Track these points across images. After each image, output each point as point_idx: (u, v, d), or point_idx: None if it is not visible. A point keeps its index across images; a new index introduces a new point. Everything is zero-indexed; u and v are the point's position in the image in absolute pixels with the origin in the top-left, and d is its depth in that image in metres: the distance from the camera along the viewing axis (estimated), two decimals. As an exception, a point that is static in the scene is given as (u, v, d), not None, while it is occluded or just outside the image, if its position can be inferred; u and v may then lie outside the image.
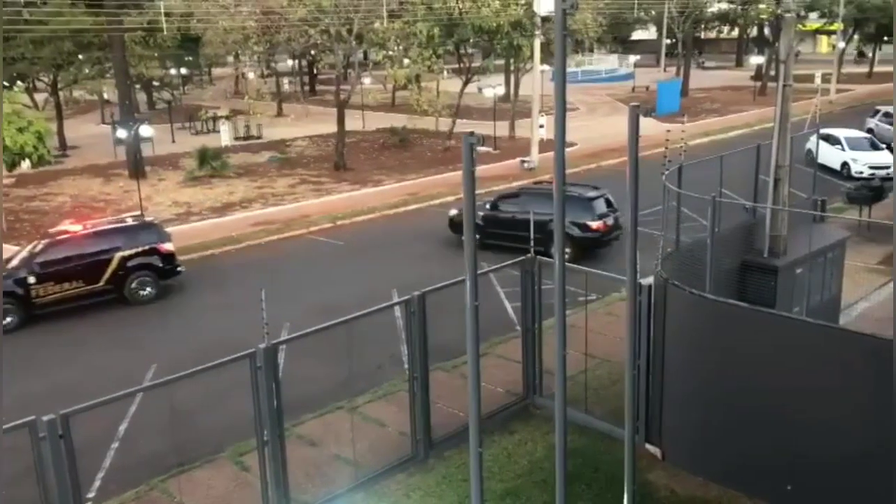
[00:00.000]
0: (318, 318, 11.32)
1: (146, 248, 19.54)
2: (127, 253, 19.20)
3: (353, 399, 12.78)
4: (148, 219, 21.72)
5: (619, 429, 10.53)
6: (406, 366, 11.85)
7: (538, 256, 12.40)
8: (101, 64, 43.06)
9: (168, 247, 19.98)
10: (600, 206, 21.29)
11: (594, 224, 20.68)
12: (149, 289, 19.49)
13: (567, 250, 21.33)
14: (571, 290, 10.56)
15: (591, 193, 21.74)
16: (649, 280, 11.03)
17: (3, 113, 23.24)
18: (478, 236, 22.26)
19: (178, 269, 20.20)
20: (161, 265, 19.75)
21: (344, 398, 12.80)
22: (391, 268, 21.01)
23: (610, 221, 21.11)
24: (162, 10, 39.55)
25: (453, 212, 23.70)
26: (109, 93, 47.53)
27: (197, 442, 12.02)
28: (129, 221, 20.57)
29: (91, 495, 10.87)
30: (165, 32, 42.44)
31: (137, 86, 52.19)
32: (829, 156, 29.80)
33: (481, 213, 22.45)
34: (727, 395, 10.12)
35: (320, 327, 10.28)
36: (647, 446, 11.28)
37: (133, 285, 19.27)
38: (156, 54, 49.22)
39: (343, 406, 12.74)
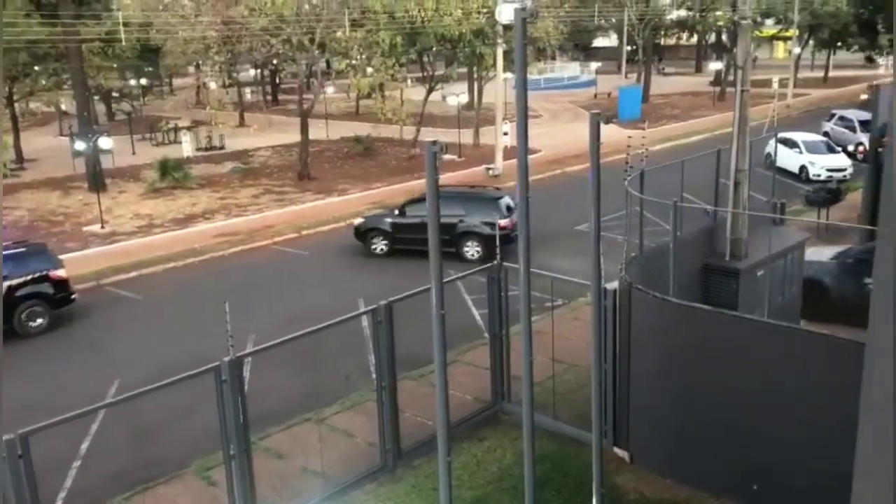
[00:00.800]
0: (284, 330, 11.23)
1: (36, 275, 18.13)
2: (15, 282, 17.68)
3: (320, 410, 12.68)
4: (35, 243, 20.53)
5: (587, 433, 10.57)
6: (374, 375, 11.78)
7: (504, 263, 12.42)
8: (58, 75, 42.31)
9: (60, 273, 18.58)
10: (504, 205, 22.40)
11: (503, 222, 21.43)
12: (40, 320, 18.00)
13: (477, 248, 21.86)
14: (538, 295, 10.62)
15: (496, 194, 23.35)
16: (614, 284, 11.12)
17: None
18: (385, 244, 22.99)
19: (73, 297, 18.77)
20: (52, 293, 18.26)
21: (311, 409, 12.69)
22: (358, 277, 20.92)
23: (514, 219, 21.84)
24: (120, 21, 39.04)
25: (358, 220, 23.86)
26: (67, 104, 46.74)
27: (162, 458, 11.82)
28: (17, 248, 18.95)
29: (53, 515, 10.64)
30: (124, 43, 41.84)
31: (96, 97, 51.35)
32: (788, 159, 30.35)
33: (389, 220, 22.92)
34: (693, 398, 10.22)
35: (286, 339, 10.18)
36: (616, 450, 11.35)
37: (22, 316, 17.77)
38: (115, 65, 48.48)
39: (310, 418, 12.63)
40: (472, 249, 22.05)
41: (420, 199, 23.00)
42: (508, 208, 22.41)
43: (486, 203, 22.57)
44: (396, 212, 22.99)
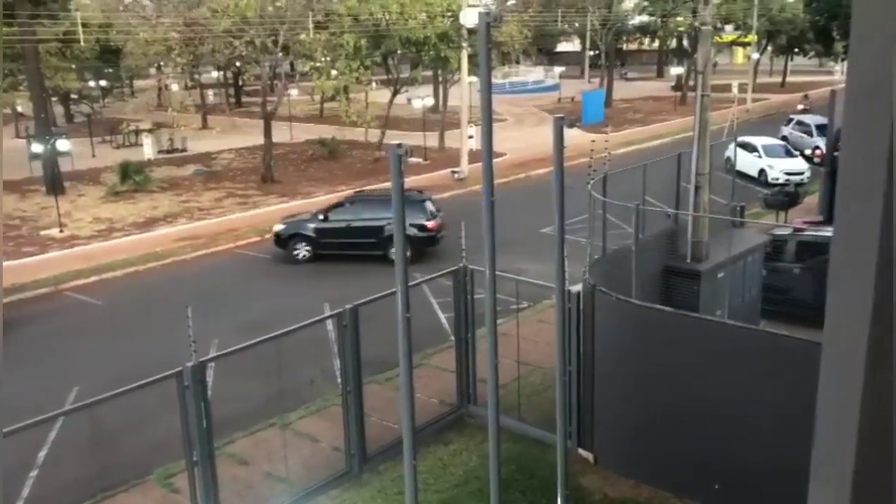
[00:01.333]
0: (247, 335, 11.12)
1: None
2: None
3: (284, 415, 12.58)
4: None
5: (552, 435, 10.64)
6: (339, 380, 11.72)
7: (470, 266, 12.45)
8: (14, 76, 41.44)
9: None
10: (428, 207, 22.60)
11: (430, 224, 21.91)
12: None
13: (407, 252, 21.78)
14: (503, 298, 10.67)
15: (420, 196, 23.24)
16: (578, 287, 11.21)
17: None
18: (308, 249, 22.59)
19: None
20: None
21: (276, 415, 12.59)
22: (323, 281, 20.81)
23: (439, 221, 22.42)
24: (79, 21, 38.34)
25: (279, 226, 23.26)
26: (24, 106, 45.79)
27: (123, 465, 11.63)
28: None
29: (10, 526, 10.40)
30: (83, 43, 41.12)
31: (54, 98, 50.40)
32: (747, 163, 30.87)
33: (312, 226, 22.57)
34: (655, 398, 10.34)
35: (250, 343, 10.10)
36: (580, 451, 11.44)
37: None
38: (73, 66, 47.64)
39: (275, 423, 12.53)
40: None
41: (342, 204, 23.27)
42: (432, 211, 22.60)
43: (412, 205, 22.33)
44: (321, 216, 22.65)
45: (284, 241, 22.86)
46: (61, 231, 26.84)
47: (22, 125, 47.08)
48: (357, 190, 26.85)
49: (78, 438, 11.76)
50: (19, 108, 48.37)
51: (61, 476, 11.58)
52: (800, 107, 46.51)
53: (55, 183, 31.21)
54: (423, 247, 22.04)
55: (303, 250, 22.69)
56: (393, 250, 21.23)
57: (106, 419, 10.65)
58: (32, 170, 35.47)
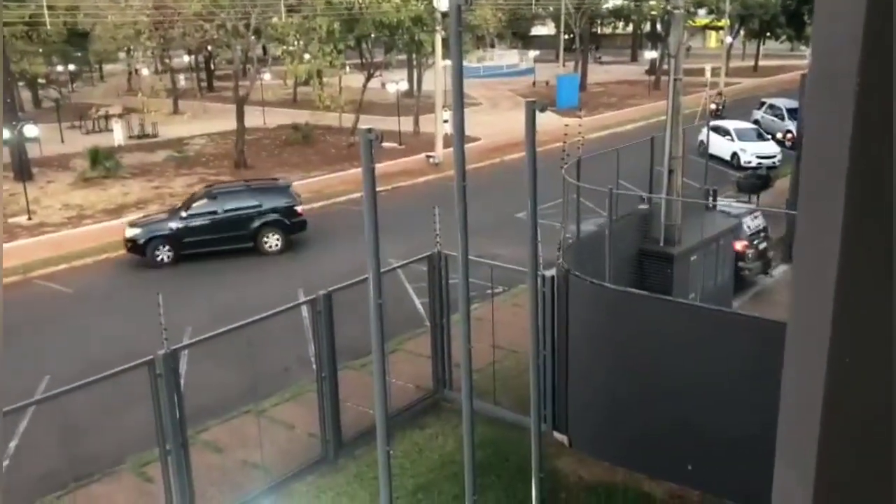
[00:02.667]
0: (221, 322, 11.03)
1: None
2: None
3: (259, 402, 12.51)
4: None
5: (527, 418, 10.69)
6: (314, 366, 11.68)
7: (443, 252, 12.43)
8: (-22, 60, 40.57)
9: None
10: (293, 193, 22.55)
11: (299, 209, 21.88)
12: None
13: (276, 239, 21.48)
14: (478, 283, 10.67)
15: (283, 183, 23.51)
16: (551, 271, 11.24)
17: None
18: (169, 252, 20.84)
19: None
20: None
21: (250, 402, 12.52)
22: (296, 267, 20.69)
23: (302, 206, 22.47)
24: (45, 3, 37.61)
25: (132, 231, 21.23)
26: (-10, 91, 44.82)
27: (95, 455, 11.52)
28: None
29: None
30: (49, 27, 40.35)
31: (21, 83, 49.45)
32: (720, 146, 31.10)
33: (173, 225, 21.00)
34: (629, 381, 10.42)
35: (223, 330, 10.02)
36: (555, 434, 11.51)
37: None
38: (40, 50, 46.74)
39: (250, 410, 12.45)
40: (271, 241, 21.56)
41: (198, 198, 21.94)
42: (298, 196, 22.50)
43: (278, 192, 22.24)
44: (183, 213, 21.19)
45: (141, 246, 20.82)
46: (30, 218, 26.41)
47: (-12, 111, 46.09)
48: (207, 185, 24.96)
49: (49, 428, 11.61)
50: (-15, 93, 47.36)
51: (32, 467, 11.45)
52: (711, 106, 37.27)
53: (23, 169, 30.69)
54: (295, 232, 21.94)
55: (164, 253, 20.90)
56: (265, 240, 21.24)
57: (77, 409, 10.52)
58: (-1, 156, 34.81)
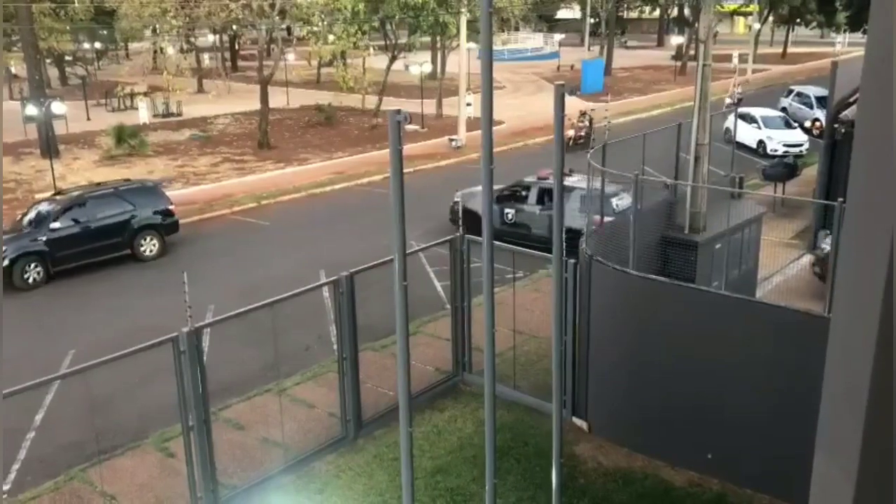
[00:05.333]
0: (244, 301, 11.12)
1: None
2: None
3: (281, 381, 12.62)
4: None
5: (546, 403, 10.71)
6: (335, 346, 11.75)
7: (465, 235, 12.41)
8: (7, 36, 40.93)
9: None
10: (164, 193, 21.50)
11: (173, 207, 20.99)
12: None
13: (153, 243, 20.24)
14: (500, 267, 10.66)
15: (152, 182, 22.33)
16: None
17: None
18: (38, 271, 18.18)
19: None
20: None
21: (272, 380, 12.63)
22: (318, 248, 20.77)
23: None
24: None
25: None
26: (17, 67, 45.26)
27: (119, 429, 11.69)
28: None
29: (7, 487, 10.46)
30: (77, 4, 40.57)
31: (48, 60, 49.82)
32: (746, 134, 30.74)
33: (42, 239, 18.58)
34: (650, 369, 10.39)
35: (246, 309, 10.09)
36: (574, 420, 11.51)
37: None
38: (68, 27, 47.02)
39: (271, 388, 12.57)
40: (147, 245, 20.26)
41: (103, 195, 20.21)
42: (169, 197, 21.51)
43: (149, 194, 21.00)
44: (53, 225, 18.84)
45: (7, 268, 17.93)
46: (56, 195, 26.65)
47: (16, 87, 46.58)
48: (54, 192, 22.02)
49: (74, 402, 11.79)
50: (13, 70, 47.82)
51: (58, 439, 11.64)
52: (728, 100, 34.83)
53: (50, 146, 30.98)
54: (170, 234, 20.89)
55: (33, 273, 18.38)
56: (142, 245, 19.73)
57: (102, 383, 10.65)
58: (27, 132, 35.20)
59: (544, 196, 19.61)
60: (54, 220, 19.03)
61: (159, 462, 10.94)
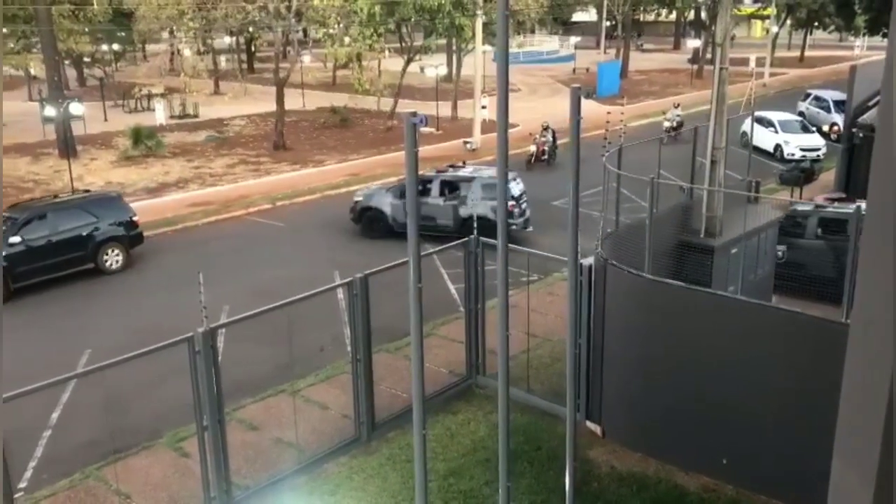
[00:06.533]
0: (259, 301, 11.14)
1: None
2: None
3: (295, 382, 12.66)
4: None
5: (560, 407, 10.68)
6: (349, 348, 11.77)
7: (480, 238, 12.40)
8: (27, 38, 41.31)
9: None
10: (126, 204, 21.01)
11: (136, 218, 20.47)
12: None
13: (117, 256, 19.53)
14: (514, 270, 10.64)
15: (113, 193, 21.79)
16: (589, 260, 11.16)
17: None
18: None
19: None
20: None
21: (286, 381, 12.67)
22: (333, 250, 20.83)
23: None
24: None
25: None
26: (36, 69, 45.67)
27: (134, 428, 11.76)
28: None
29: (22, 485, 10.55)
30: (96, 6, 40.91)
31: (67, 61, 50.26)
32: (763, 138, 30.57)
33: (3, 251, 17.42)
34: (665, 373, 10.33)
35: (261, 310, 10.12)
36: (588, 424, 11.47)
37: None
38: (86, 29, 47.41)
39: (285, 389, 12.61)
40: (112, 258, 19.63)
41: (31, 219, 18.84)
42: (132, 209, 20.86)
43: (111, 204, 20.41)
44: (17, 238, 18.10)
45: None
46: (73, 195, 26.88)
47: (35, 88, 46.99)
48: (11, 205, 20.87)
49: (90, 400, 11.88)
50: (32, 71, 48.24)
51: (74, 437, 11.73)
52: (666, 124, 32.91)
53: (68, 146, 31.25)
54: (135, 246, 20.37)
55: None
56: (105, 257, 18.98)
57: (117, 382, 10.72)
58: (45, 133, 35.52)
59: (445, 188, 21.37)
60: (13, 235, 18.19)
61: (173, 461, 11.00)
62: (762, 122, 31.05)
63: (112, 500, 10.18)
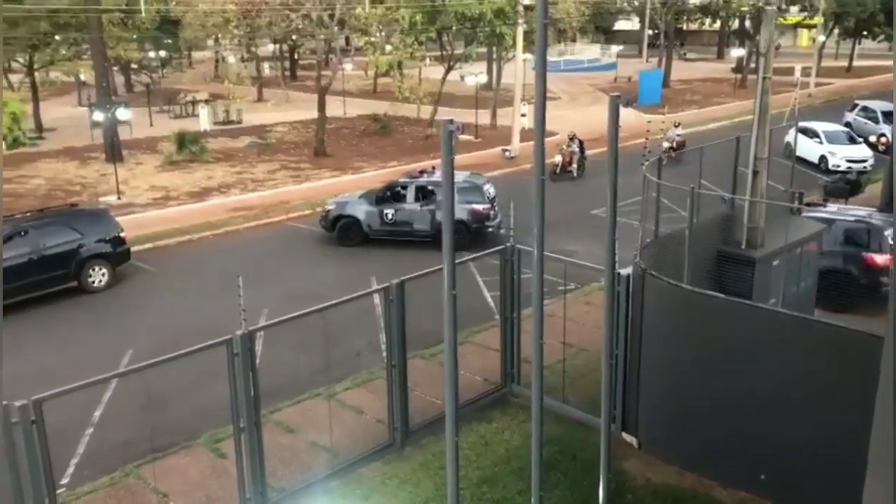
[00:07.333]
0: (297, 305, 11.25)
1: None
2: None
3: (330, 386, 12.75)
4: None
5: (595, 417, 10.59)
6: (384, 353, 11.82)
7: (516, 246, 12.37)
8: (77, 45, 42.38)
9: None
10: (114, 219, 20.24)
11: (123, 234, 19.86)
12: None
13: (103, 273, 18.73)
14: (550, 279, 10.60)
15: (97, 208, 21.20)
16: (627, 270, 11.08)
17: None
18: None
19: None
20: None
21: (322, 385, 12.76)
22: (371, 255, 20.95)
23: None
24: (141, -8, 38.99)
25: None
26: (86, 75, 46.84)
27: (172, 428, 11.94)
28: None
29: (65, 481, 10.78)
30: (144, 14, 41.81)
31: (115, 68, 51.42)
32: (808, 149, 30.04)
33: None
34: (703, 385, 10.20)
35: (298, 314, 10.22)
36: (624, 435, 11.36)
37: None
38: (134, 36, 48.50)
39: (321, 393, 12.70)
40: (97, 276, 18.93)
41: (15, 232, 18.10)
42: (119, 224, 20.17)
43: (97, 220, 19.82)
44: None
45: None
46: (119, 198, 27.50)
47: (84, 94, 48.18)
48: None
49: (130, 399, 12.10)
50: (82, 77, 49.47)
51: (114, 436, 11.96)
52: (665, 144, 27.11)
53: (114, 150, 31.96)
54: (121, 263, 19.67)
55: None
56: (90, 275, 18.18)
57: (157, 382, 10.90)
58: (93, 137, 36.38)
59: (420, 193, 21.91)
60: None
61: (210, 462, 11.15)
62: (807, 132, 30.52)
63: (150, 498, 10.35)
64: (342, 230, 22.04)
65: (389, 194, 22.28)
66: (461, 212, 20.59)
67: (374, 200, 22.07)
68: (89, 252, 18.91)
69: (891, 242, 16.10)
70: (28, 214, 19.80)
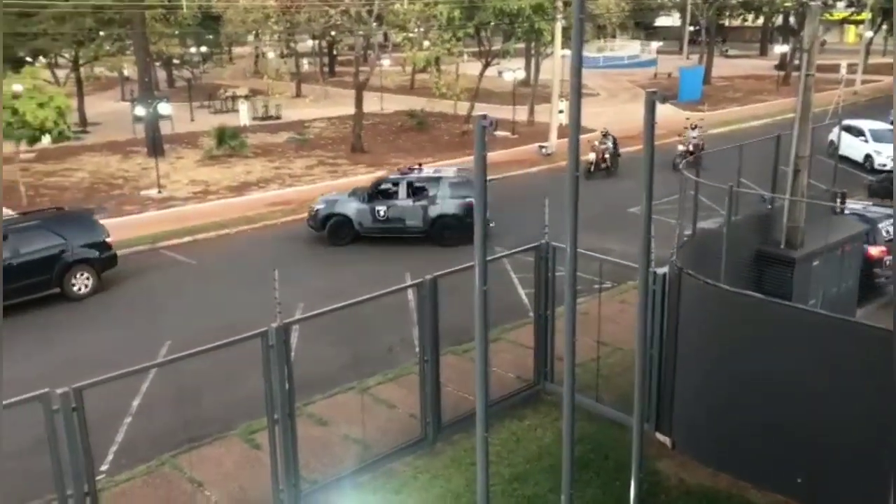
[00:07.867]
0: (332, 299, 11.34)
1: None
2: None
3: (363, 380, 12.83)
4: None
5: (628, 417, 10.49)
6: (417, 349, 11.87)
7: (551, 243, 12.31)
8: (121, 41, 43.16)
9: None
10: (99, 222, 19.52)
11: (110, 240, 19.22)
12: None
13: (87, 279, 18.03)
14: (585, 277, 10.54)
15: (85, 211, 20.57)
16: (664, 269, 10.96)
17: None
18: None
19: None
20: None
21: (355, 379, 12.84)
22: (407, 251, 21.01)
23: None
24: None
25: None
26: (129, 70, 47.67)
27: (208, 419, 12.11)
28: None
29: (104, 468, 11.00)
30: (185, 10, 42.40)
31: (157, 63, 52.24)
32: (852, 147, 29.40)
33: None
34: (739, 386, 10.05)
35: (333, 308, 10.28)
36: (657, 435, 11.25)
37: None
38: (176, 32, 49.23)
39: (354, 387, 12.79)
40: (80, 282, 18.23)
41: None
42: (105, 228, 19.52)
43: (82, 224, 19.03)
44: None
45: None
46: (160, 192, 27.96)
47: (127, 88, 49.05)
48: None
49: (167, 390, 12.30)
50: (125, 72, 50.37)
51: (152, 425, 12.17)
52: (681, 148, 27.30)
53: (156, 145, 32.50)
54: (107, 269, 18.98)
55: None
56: (74, 282, 17.50)
57: (194, 373, 11.07)
58: (136, 131, 37.02)
59: (411, 189, 21.87)
60: None
61: (245, 453, 11.29)
62: (852, 130, 29.86)
63: (186, 486, 10.52)
64: (333, 229, 21.87)
65: (380, 191, 22.11)
66: (454, 206, 21.16)
67: (365, 198, 21.93)
68: (73, 257, 18.18)
69: (884, 235, 15.81)
70: (15, 216, 19.25)
